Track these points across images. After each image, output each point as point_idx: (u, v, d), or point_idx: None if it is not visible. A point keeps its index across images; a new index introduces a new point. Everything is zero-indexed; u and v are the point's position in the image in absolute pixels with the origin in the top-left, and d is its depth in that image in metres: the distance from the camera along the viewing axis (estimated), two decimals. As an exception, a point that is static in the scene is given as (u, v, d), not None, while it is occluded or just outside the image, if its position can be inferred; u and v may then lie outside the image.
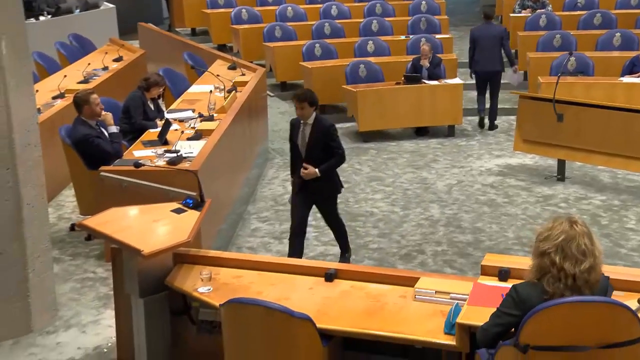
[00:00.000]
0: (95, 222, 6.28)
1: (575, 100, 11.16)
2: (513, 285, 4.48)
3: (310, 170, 7.99)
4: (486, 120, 14.12)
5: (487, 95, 14.11)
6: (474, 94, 15.41)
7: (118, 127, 9.22)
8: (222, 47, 18.32)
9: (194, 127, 9.34)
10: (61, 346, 6.75)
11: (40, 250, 6.93)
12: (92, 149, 8.67)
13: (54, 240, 8.13)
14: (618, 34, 15.52)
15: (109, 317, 7.07)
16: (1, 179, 6.57)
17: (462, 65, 16.64)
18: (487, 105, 14.12)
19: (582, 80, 13.33)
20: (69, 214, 9.95)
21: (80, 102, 8.79)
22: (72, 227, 9.34)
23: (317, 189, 8.16)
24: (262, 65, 14.12)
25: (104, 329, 7.03)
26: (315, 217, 9.80)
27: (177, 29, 20.56)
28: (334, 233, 8.65)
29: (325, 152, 8.08)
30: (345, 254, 8.58)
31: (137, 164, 7.52)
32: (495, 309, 4.58)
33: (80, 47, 16.68)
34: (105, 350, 6.61)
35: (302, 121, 8.09)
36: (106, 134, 8.90)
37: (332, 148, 8.10)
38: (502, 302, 4.51)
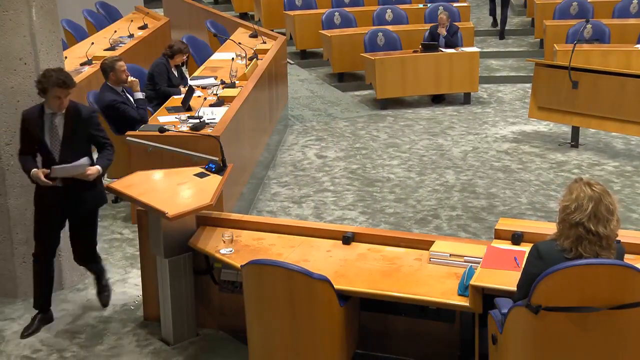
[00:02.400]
0: (122, 185, 6.44)
1: (591, 68, 11.23)
2: (534, 244, 4.54)
3: (94, 169, 6.29)
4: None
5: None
6: (491, 61, 15.63)
7: (144, 94, 9.30)
8: (243, 16, 18.43)
9: (216, 94, 9.45)
10: (91, 302, 6.93)
11: (70, 212, 7.12)
12: (118, 115, 8.80)
13: (82, 202, 8.29)
14: (635, 1, 15.48)
15: (135, 276, 7.27)
16: (33, 143, 6.73)
17: (479, 33, 16.77)
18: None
19: (598, 48, 13.37)
20: (96, 177, 10.10)
21: (107, 68, 8.90)
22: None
23: (80, 200, 6.40)
24: (283, 34, 14.18)
25: (130, 287, 7.21)
26: (333, 182, 10.00)
27: (200, -2, 20.71)
28: (87, 264, 6.85)
29: (88, 146, 6.48)
30: (103, 292, 6.94)
31: (162, 130, 7.59)
32: (508, 272, 4.72)
33: (107, 15, 16.90)
34: (132, 307, 6.81)
35: (51, 112, 6.26)
36: (132, 99, 9.01)
37: (100, 139, 6.49)
38: (525, 262, 4.60)
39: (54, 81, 6.09)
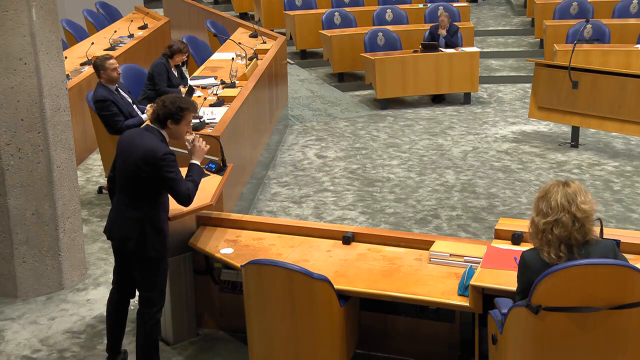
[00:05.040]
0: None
1: (591, 68, 11.24)
2: (522, 253, 4.56)
3: None
4: None
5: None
6: (491, 61, 15.66)
7: (146, 118, 9.02)
8: (243, 15, 18.45)
9: (216, 94, 9.46)
10: (91, 303, 6.94)
11: (70, 211, 7.11)
12: (105, 113, 8.75)
13: (82, 202, 8.26)
14: (635, 1, 15.47)
15: (135, 276, 7.27)
16: (33, 142, 6.72)
17: (479, 33, 16.78)
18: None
19: (598, 48, 13.38)
20: (96, 177, 10.13)
21: (98, 67, 8.84)
22: (100, 190, 9.53)
23: None
24: (283, 34, 14.19)
25: (130, 287, 7.22)
26: (333, 182, 10.00)
27: (200, -2, 20.72)
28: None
29: None
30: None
31: (162, 130, 7.63)
32: (508, 272, 4.74)
33: (107, 15, 16.93)
34: (132, 307, 6.78)
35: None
36: (128, 99, 9.01)
37: None
38: (517, 271, 4.60)
39: (194, 107, 5.71)
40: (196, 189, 5.62)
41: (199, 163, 5.78)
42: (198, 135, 5.93)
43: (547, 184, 4.49)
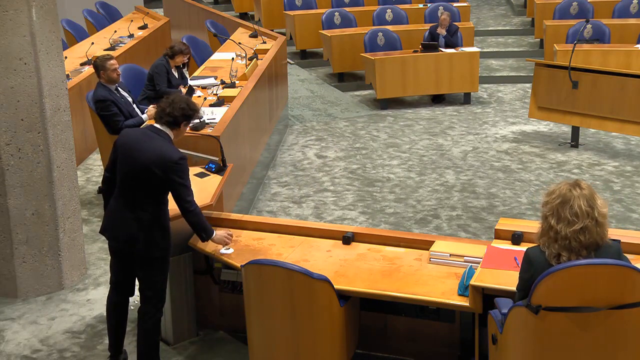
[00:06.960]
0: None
1: (591, 68, 11.24)
2: (526, 249, 4.55)
3: None
4: None
5: None
6: (491, 61, 15.67)
7: (147, 118, 8.97)
8: (243, 15, 18.45)
9: (216, 94, 9.46)
10: (91, 303, 6.93)
11: (70, 211, 7.10)
12: (105, 113, 8.74)
13: (82, 202, 8.25)
14: (635, 1, 15.47)
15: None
16: (33, 142, 6.71)
17: (479, 33, 16.78)
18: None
19: (598, 48, 13.38)
20: (96, 177, 10.10)
21: (98, 67, 8.83)
22: (100, 190, 9.46)
23: None
24: (283, 34, 14.18)
25: (130, 287, 7.21)
26: (333, 182, 10.00)
27: (200, -3, 20.72)
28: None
29: None
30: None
31: (162, 130, 7.62)
32: (508, 272, 4.74)
33: (107, 15, 16.93)
34: (132, 307, 6.77)
35: None
36: (129, 98, 9.02)
37: None
38: (520, 266, 4.61)
39: (199, 112, 5.79)
40: (198, 216, 5.64)
41: (212, 237, 5.80)
42: (231, 236, 5.97)
43: (558, 187, 4.44)
